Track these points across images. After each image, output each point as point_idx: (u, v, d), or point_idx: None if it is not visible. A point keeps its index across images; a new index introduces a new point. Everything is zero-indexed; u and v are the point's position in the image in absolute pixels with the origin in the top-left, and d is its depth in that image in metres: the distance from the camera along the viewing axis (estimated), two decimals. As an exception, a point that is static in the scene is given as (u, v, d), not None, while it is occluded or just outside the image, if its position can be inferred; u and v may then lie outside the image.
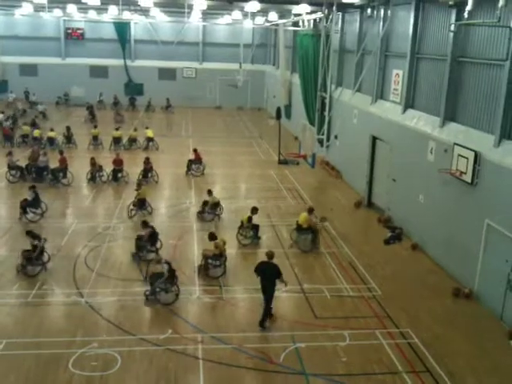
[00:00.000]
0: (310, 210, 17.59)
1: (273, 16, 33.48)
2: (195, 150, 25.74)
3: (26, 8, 33.92)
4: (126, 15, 37.33)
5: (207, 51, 48.50)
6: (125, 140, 30.02)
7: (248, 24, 39.16)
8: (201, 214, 19.40)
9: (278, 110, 29.88)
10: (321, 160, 27.25)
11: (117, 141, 29.58)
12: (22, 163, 23.76)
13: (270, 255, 12.89)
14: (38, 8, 35.23)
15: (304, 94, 30.34)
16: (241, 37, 43.15)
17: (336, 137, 25.94)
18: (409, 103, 19.19)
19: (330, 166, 26.67)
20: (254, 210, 17.67)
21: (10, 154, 23.80)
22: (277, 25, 37.90)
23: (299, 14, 30.25)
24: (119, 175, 23.46)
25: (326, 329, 12.39)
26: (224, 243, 15.14)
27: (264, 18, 38.18)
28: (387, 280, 15.03)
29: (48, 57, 46.35)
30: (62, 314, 12.83)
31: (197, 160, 25.48)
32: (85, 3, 27.30)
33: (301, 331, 12.25)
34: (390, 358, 11.37)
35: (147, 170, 23.65)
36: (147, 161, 23.87)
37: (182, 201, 21.38)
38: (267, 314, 12.53)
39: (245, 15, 35.14)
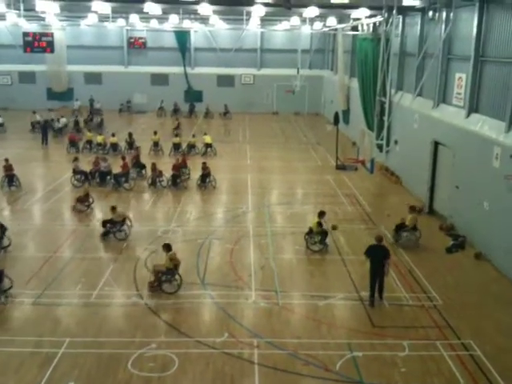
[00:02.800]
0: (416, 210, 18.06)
1: (331, 21, 33.34)
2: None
3: (91, 18, 35.28)
4: (187, 24, 38.22)
5: (265, 57, 48.78)
6: (184, 146, 30.59)
7: (306, 29, 39.18)
8: (104, 236, 17.71)
9: (336, 115, 29.61)
10: (380, 165, 26.78)
11: (176, 147, 30.19)
12: (87, 168, 24.62)
13: (380, 238, 13.83)
14: (103, 18, 36.56)
15: (363, 98, 29.96)
16: (299, 42, 43.13)
17: (396, 142, 25.43)
18: (473, 107, 18.56)
19: (390, 172, 26.15)
20: (322, 215, 17.28)
21: (76, 159, 24.73)
22: (335, 29, 37.70)
23: (358, 19, 29.94)
24: (178, 180, 23.91)
25: (385, 338, 12.10)
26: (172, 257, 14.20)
27: (322, 23, 38.06)
28: (449, 289, 14.54)
29: (111, 65, 48.02)
30: (122, 314, 13.16)
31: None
32: (147, 13, 28.10)
33: (358, 340, 12.02)
34: (451, 370, 10.97)
35: (205, 175, 23.98)
36: (205, 166, 24.20)
37: (239, 206, 21.53)
38: (382, 291, 13.58)
39: (303, 21, 35.14)
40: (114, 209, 17.95)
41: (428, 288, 14.57)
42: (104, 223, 17.77)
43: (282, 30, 43.85)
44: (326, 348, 11.68)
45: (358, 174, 26.95)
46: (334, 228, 18.16)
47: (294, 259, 16.49)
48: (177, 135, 31.22)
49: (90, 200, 20.88)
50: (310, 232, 17.10)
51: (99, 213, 20.81)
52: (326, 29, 38.65)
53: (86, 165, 25.33)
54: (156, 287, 13.97)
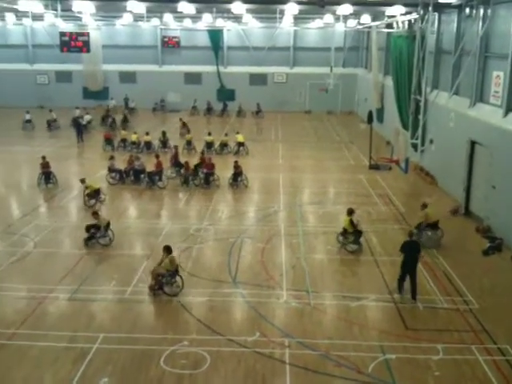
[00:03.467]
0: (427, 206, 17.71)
1: (365, 18, 32.98)
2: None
3: (126, 18, 35.76)
4: (220, 22, 38.36)
5: (298, 56, 48.60)
6: (216, 145, 30.73)
7: (340, 27, 38.83)
8: (88, 242, 17.06)
9: (370, 114, 29.30)
10: (414, 165, 26.37)
11: (209, 145, 30.36)
12: (121, 167, 24.96)
13: (412, 234, 14.45)
14: (137, 18, 37.00)
15: (397, 96, 29.54)
16: (332, 40, 42.80)
17: (431, 141, 25.01)
18: (510, 106, 18.09)
19: (424, 172, 25.73)
20: (352, 213, 16.97)
21: (112, 158, 25.10)
22: (369, 27, 37.29)
23: (393, 16, 29.54)
24: (211, 179, 24.03)
25: (418, 341, 11.91)
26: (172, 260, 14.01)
27: (356, 21, 37.68)
28: (485, 292, 14.22)
29: (146, 64, 48.57)
30: (155, 311, 13.34)
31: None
32: (180, 12, 28.30)
33: (391, 342, 11.87)
34: (487, 375, 10.73)
35: (237, 174, 24.04)
36: (237, 165, 24.26)
37: (271, 205, 21.50)
38: (415, 291, 13.69)
39: (337, 18, 34.86)
40: (95, 214, 17.48)
41: (463, 291, 14.27)
42: (88, 228, 17.18)
43: (316, 28, 43.60)
44: (357, 350, 11.57)
45: (391, 173, 26.61)
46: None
47: (325, 259, 16.39)
48: (209, 134, 31.29)
49: (102, 196, 21.48)
50: (345, 232, 16.94)
51: (134, 210, 21.13)
52: (359, 26, 38.26)
53: (120, 163, 25.69)
54: (157, 290, 13.80)
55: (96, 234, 17.19)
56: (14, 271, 15.33)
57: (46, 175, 23.81)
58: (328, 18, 33.17)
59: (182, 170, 24.76)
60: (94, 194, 21.18)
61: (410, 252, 13.68)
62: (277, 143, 34.41)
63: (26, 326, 12.34)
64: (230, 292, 14.12)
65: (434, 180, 24.63)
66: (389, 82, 33.71)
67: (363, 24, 35.53)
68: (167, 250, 14.02)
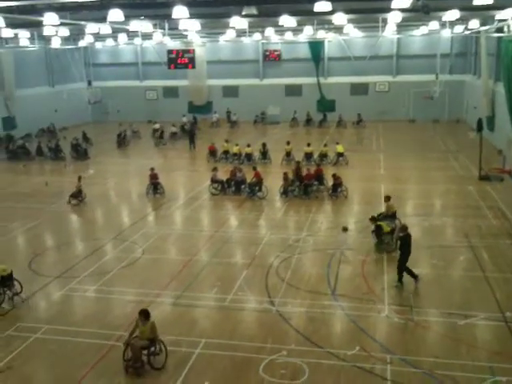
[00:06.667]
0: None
1: (474, 23, 31.45)
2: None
3: (229, 34, 36.85)
4: (321, 34, 38.34)
5: (401, 64, 47.37)
6: (316, 155, 30.65)
7: (446, 33, 37.38)
8: None
9: (480, 122, 27.78)
10: (529, 176, 24.64)
11: (308, 156, 30.35)
12: (223, 177, 25.66)
13: (406, 228, 15.05)
14: (240, 33, 37.96)
15: (509, 104, 27.83)
16: (438, 47, 41.28)
17: (547, 150, 23.25)
18: None
19: (540, 183, 23.95)
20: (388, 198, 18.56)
21: (215, 169, 25.89)
22: (478, 32, 35.53)
23: (504, 20, 27.92)
24: (309, 189, 23.96)
25: (534, 364, 11.05)
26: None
27: (463, 26, 36.06)
28: None
29: (247, 78, 49.72)
30: (254, 319, 13.45)
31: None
32: (282, 26, 28.64)
33: (502, 363, 11.06)
34: None
35: (336, 184, 23.77)
36: (336, 176, 23.99)
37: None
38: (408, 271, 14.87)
39: (442, 25, 33.57)
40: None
41: None
42: None
43: (420, 35, 42.29)
44: (464, 370, 10.92)
45: (504, 184, 25.00)
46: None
47: (430, 274, 15.67)
48: (309, 145, 31.24)
49: (83, 195, 23.76)
50: (379, 230, 17.37)
51: (235, 220, 21.56)
52: (467, 32, 36.57)
53: (222, 174, 26.40)
54: (140, 368, 11.10)
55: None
56: (124, 276, 16.20)
57: (154, 186, 25.04)
58: (433, 24, 32.05)
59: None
60: (77, 193, 23.32)
61: (408, 243, 14.66)
62: (378, 153, 33.64)
63: (133, 328, 12.95)
64: (329, 304, 13.93)
65: (552, 192, 22.83)
66: (500, 88, 31.86)
67: (471, 29, 33.89)
68: (145, 315, 11.28)
